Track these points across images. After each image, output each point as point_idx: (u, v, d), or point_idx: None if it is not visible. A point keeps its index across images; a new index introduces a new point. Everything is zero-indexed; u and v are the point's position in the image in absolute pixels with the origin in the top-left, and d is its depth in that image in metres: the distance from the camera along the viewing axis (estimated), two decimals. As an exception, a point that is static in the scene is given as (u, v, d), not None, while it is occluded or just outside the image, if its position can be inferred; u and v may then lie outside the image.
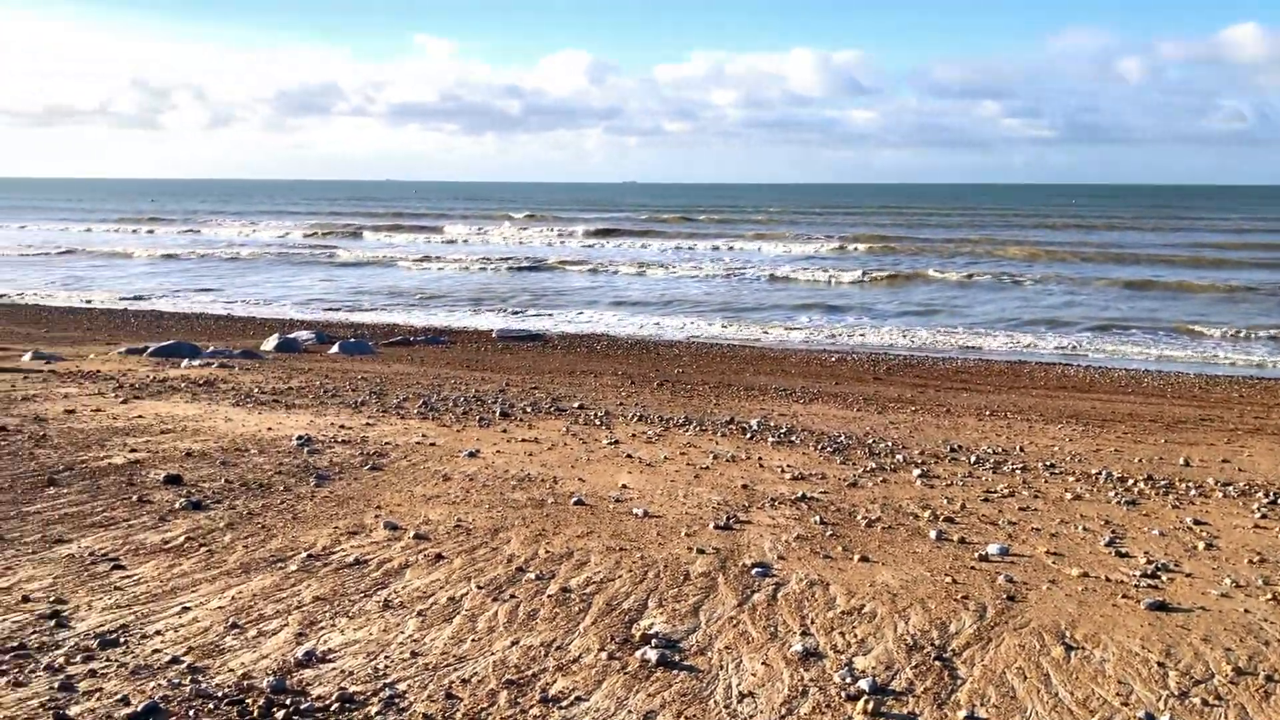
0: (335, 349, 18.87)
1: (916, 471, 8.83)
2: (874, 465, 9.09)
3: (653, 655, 4.60)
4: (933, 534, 6.80)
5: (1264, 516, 7.63)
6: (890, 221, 73.77)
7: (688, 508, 7.33)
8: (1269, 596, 5.73)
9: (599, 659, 4.62)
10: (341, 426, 9.94)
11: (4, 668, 4.24)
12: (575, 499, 7.38)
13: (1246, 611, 5.49)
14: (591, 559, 6.03)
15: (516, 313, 28.26)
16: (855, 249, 49.88)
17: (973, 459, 9.60)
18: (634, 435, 10.15)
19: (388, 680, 4.32)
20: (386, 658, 4.55)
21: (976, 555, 6.38)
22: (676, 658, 4.64)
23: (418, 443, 9.26)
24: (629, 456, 9.04)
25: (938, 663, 4.69)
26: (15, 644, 4.47)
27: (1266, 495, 8.35)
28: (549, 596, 5.37)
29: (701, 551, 6.23)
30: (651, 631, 4.92)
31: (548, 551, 6.14)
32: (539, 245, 55.82)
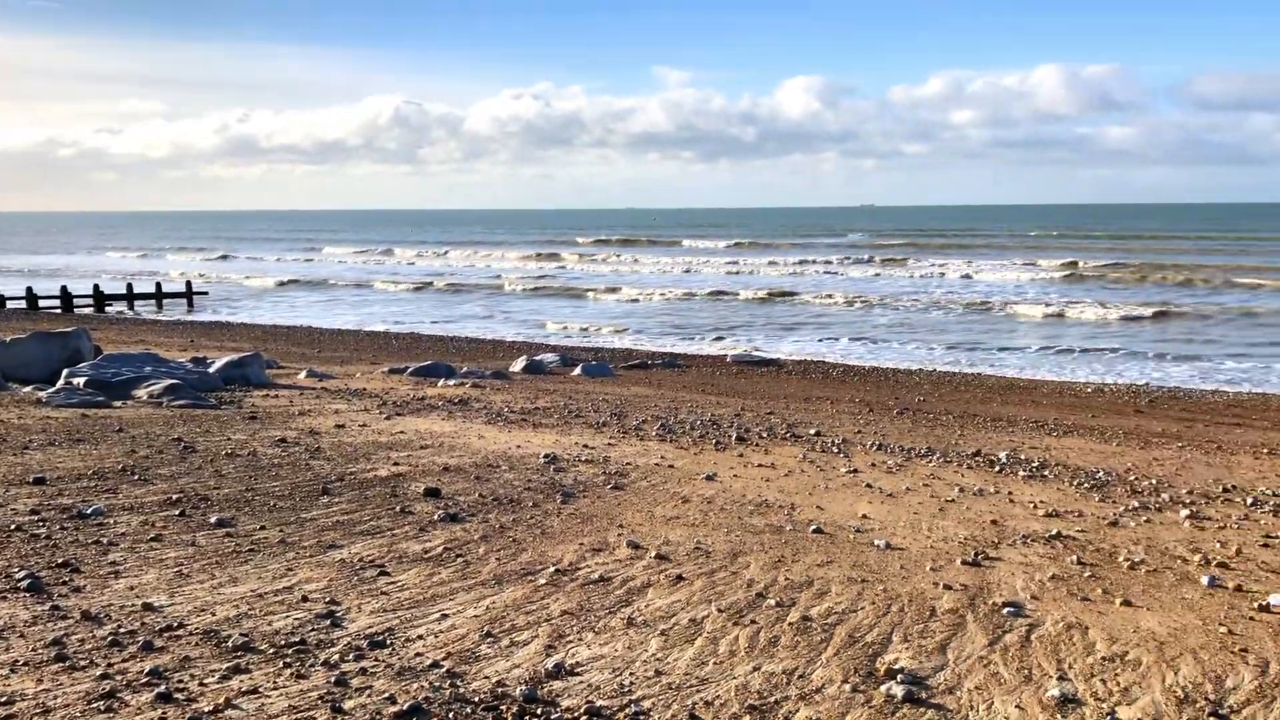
0: (578, 371, 19.51)
1: (1184, 512, 8.21)
2: (1137, 504, 8.51)
3: (899, 691, 4.47)
4: (1204, 580, 6.29)
5: None
6: (1146, 247, 69.14)
7: (932, 541, 7.10)
8: None
9: (842, 690, 4.53)
10: (585, 446, 10.25)
11: (288, 660, 4.61)
12: (814, 527, 7.30)
13: None
14: (832, 589, 5.94)
15: (751, 340, 28.31)
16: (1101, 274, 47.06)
17: (1249, 500, 8.83)
18: (873, 464, 9.94)
19: (633, 697, 4.40)
20: (631, 675, 4.64)
21: (1256, 605, 5.86)
22: (924, 695, 4.50)
23: (656, 464, 9.43)
24: (869, 486, 8.86)
25: (1212, 719, 4.33)
26: (297, 639, 4.86)
27: None
28: (790, 624, 5.33)
29: (948, 587, 6.02)
30: (897, 666, 4.79)
31: (787, 579, 6.09)
32: (777, 274, 55.74)
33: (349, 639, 4.91)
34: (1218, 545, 7.21)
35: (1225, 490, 9.35)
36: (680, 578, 6.04)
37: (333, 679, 4.43)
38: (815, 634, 5.21)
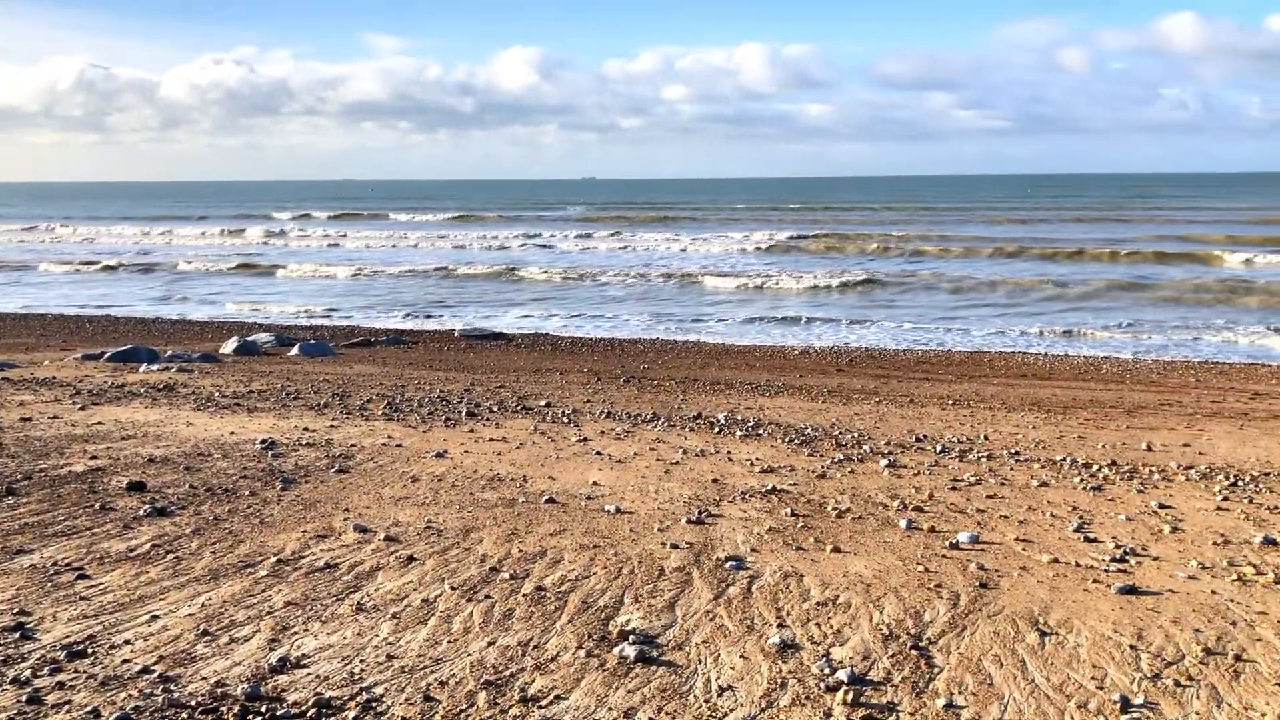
0: (295, 351, 18.67)
1: (883, 461, 8.89)
2: (841, 456, 9.13)
3: (631, 651, 4.58)
4: (903, 523, 6.84)
5: (1225, 499, 7.75)
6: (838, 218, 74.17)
7: (659, 503, 7.32)
8: (1234, 578, 5.82)
9: (577, 657, 4.59)
10: (305, 429, 9.83)
11: (-32, 683, 4.14)
12: (546, 497, 7.35)
13: (1213, 593, 5.57)
14: (565, 557, 6.00)
15: (478, 314, 28.12)
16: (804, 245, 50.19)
17: (938, 448, 9.68)
18: (602, 432, 10.13)
19: (364, 684, 4.27)
20: (362, 661, 4.50)
21: (947, 543, 6.43)
22: (655, 653, 4.63)
23: (383, 444, 9.18)
24: (598, 454, 9.02)
25: (914, 651, 4.72)
26: (-21, 658, 4.38)
27: (1227, 478, 8.48)
28: (524, 596, 5.34)
29: (675, 546, 6.22)
30: (629, 628, 4.90)
31: (521, 551, 6.10)
32: (515, 247, 55.53)
33: (43, 651, 4.48)
34: (913, 490, 7.86)
35: (918, 439, 10.20)
36: (411, 559, 5.91)
37: (24, 697, 4.02)
38: (549, 603, 5.25)
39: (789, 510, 7.15)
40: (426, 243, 57.45)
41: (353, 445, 9.08)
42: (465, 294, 33.06)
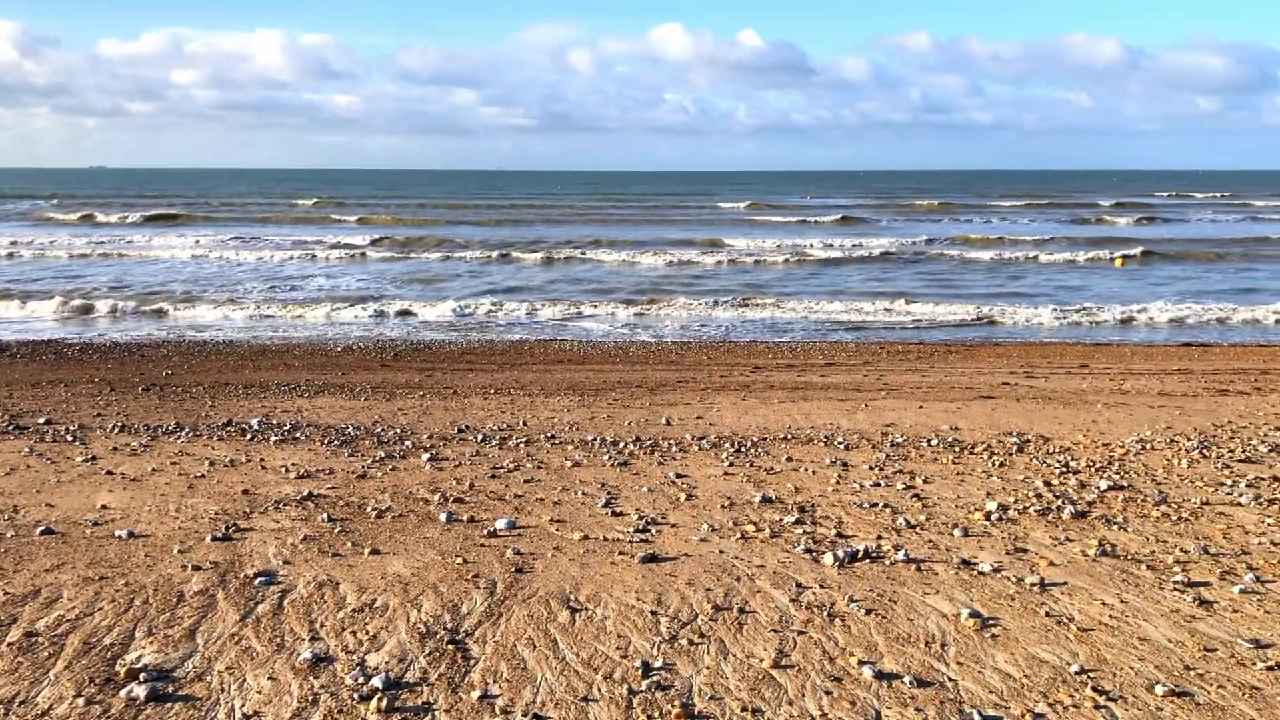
0: None
1: (426, 456, 8.85)
2: (383, 454, 8.97)
3: (141, 691, 4.14)
4: (443, 516, 6.84)
5: (731, 465, 8.59)
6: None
7: (181, 522, 6.73)
8: (738, 536, 6.45)
9: (75, 708, 4.07)
10: None
11: None
12: (42, 528, 6.48)
13: (721, 552, 6.12)
14: (64, 594, 5.32)
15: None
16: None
17: (480, 437, 9.82)
18: (115, 449, 9.15)
19: None
20: None
21: (486, 532, 6.51)
22: (170, 689, 4.22)
23: None
24: (109, 473, 8.13)
25: (451, 646, 4.71)
26: None
27: (732, 445, 9.40)
28: (9, 645, 4.65)
29: (198, 568, 5.75)
30: (139, 665, 4.43)
31: (7, 594, 5.32)
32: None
33: None
34: (454, 482, 7.89)
35: (460, 431, 10.28)
36: None
37: None
38: (42, 650, 4.61)
39: (326, 516, 6.88)
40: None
41: None
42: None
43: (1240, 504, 7.29)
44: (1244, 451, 9.17)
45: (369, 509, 7.08)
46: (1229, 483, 7.92)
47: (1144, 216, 63.00)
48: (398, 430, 10.32)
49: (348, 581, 5.57)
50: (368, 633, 4.86)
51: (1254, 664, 4.57)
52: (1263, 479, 8.05)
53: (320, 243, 43.81)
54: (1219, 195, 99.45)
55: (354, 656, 4.59)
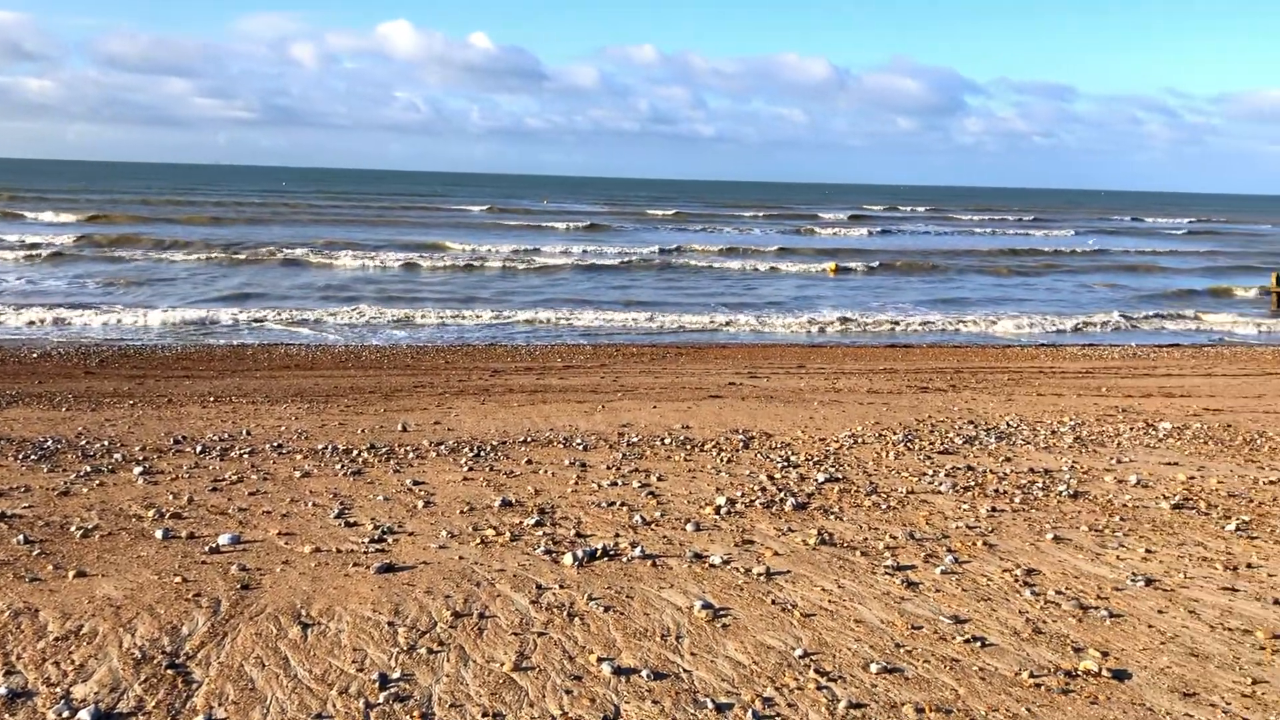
0: None
1: (138, 469, 8.24)
2: (89, 469, 8.27)
3: None
4: (159, 533, 6.38)
5: (470, 469, 8.51)
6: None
7: None
8: (478, 541, 6.40)
9: None
10: None
11: None
12: None
13: (461, 559, 6.06)
14: None
15: None
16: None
17: (199, 448, 9.24)
18: None
19: None
20: None
21: (207, 548, 6.14)
22: None
23: None
24: None
25: (170, 671, 4.40)
26: None
27: (471, 450, 9.33)
28: None
29: None
30: None
31: None
32: None
33: None
34: (170, 497, 7.39)
35: (177, 442, 9.64)
36: None
37: None
38: None
39: (22, 537, 6.26)
40: None
41: None
42: None
43: (940, 492, 7.97)
44: (942, 444, 10.04)
45: (73, 528, 6.51)
46: (930, 473, 8.64)
47: (869, 229, 68.15)
48: (105, 442, 9.55)
49: (49, 608, 5.09)
50: (73, 662, 4.47)
51: (954, 638, 5.00)
52: (959, 469, 8.83)
53: (9, 242, 39.86)
54: (923, 209, 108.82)
55: (57, 689, 4.20)
